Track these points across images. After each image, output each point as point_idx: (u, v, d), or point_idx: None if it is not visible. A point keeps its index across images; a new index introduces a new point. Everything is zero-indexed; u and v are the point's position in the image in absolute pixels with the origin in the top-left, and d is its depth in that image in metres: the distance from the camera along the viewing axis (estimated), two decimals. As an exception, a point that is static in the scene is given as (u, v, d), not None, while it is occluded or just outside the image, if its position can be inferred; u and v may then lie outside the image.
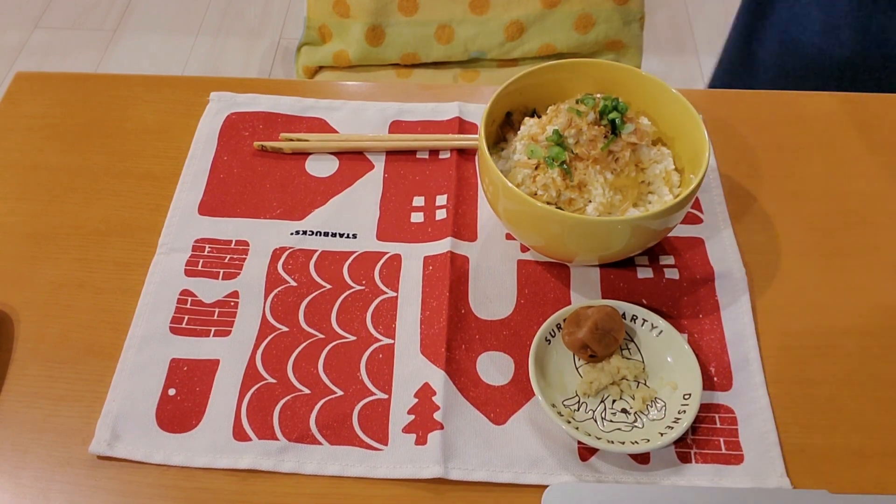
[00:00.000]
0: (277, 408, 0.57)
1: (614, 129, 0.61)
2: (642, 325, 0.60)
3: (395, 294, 0.64)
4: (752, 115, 0.78)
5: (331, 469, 0.54)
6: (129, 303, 0.63)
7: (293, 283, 0.64)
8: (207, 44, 1.99)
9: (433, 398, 0.57)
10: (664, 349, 0.59)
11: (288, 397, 0.58)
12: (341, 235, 0.68)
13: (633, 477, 0.54)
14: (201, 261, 0.66)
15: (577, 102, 0.63)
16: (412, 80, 1.11)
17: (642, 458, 0.55)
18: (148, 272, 0.65)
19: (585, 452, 0.55)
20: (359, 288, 0.64)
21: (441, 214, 0.69)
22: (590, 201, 0.60)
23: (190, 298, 0.63)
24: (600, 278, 0.65)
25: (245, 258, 0.66)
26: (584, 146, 0.60)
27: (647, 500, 0.52)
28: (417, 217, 0.69)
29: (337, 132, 0.76)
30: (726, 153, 0.74)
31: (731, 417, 0.57)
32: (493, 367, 0.59)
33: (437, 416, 0.56)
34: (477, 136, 0.72)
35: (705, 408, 0.57)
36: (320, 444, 0.55)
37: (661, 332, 0.60)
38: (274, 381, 0.59)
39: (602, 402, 0.57)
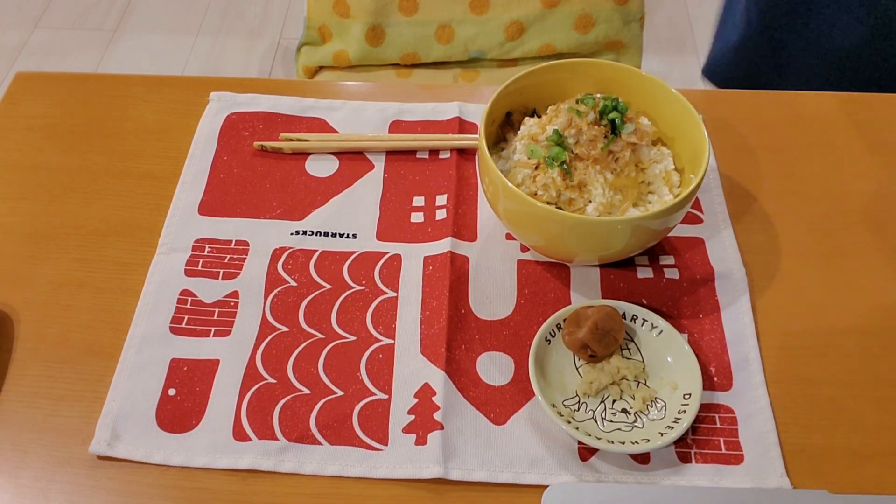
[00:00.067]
0: (277, 408, 0.57)
1: (614, 129, 0.61)
2: (642, 325, 0.60)
3: (395, 294, 0.64)
4: (752, 115, 0.78)
5: (331, 469, 0.54)
6: (129, 303, 0.63)
7: (293, 283, 0.64)
8: (207, 44, 1.99)
9: (433, 398, 0.57)
10: (664, 349, 0.59)
11: (288, 397, 0.58)
12: (341, 235, 0.68)
13: (633, 477, 0.54)
14: (201, 261, 0.66)
15: (577, 102, 0.63)
16: (412, 80, 1.11)
17: (642, 458, 0.55)
18: (148, 272, 0.65)
19: (585, 452, 0.55)
20: (359, 288, 0.64)
21: (441, 214, 0.69)
22: (590, 201, 0.60)
23: (190, 298, 0.63)
24: (600, 278, 0.65)
25: (245, 258, 0.66)
26: (584, 146, 0.60)
27: (647, 500, 0.52)
28: (417, 217, 0.69)
29: (337, 132, 0.76)
30: (726, 153, 0.74)
31: (731, 417, 0.57)
32: (493, 367, 0.59)
33: (437, 416, 0.56)
34: (477, 136, 0.72)
35: (705, 408, 0.57)
36: (320, 444, 0.55)
37: (661, 332, 0.60)
38: (274, 381, 0.59)
39: (602, 402, 0.57)
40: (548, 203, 0.60)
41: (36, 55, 1.95)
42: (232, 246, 0.67)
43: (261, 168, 0.73)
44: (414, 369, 0.59)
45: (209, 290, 0.64)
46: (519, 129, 0.65)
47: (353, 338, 0.61)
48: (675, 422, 0.55)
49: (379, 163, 0.73)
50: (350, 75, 1.13)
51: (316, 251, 0.66)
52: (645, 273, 0.65)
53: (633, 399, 0.57)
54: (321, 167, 0.73)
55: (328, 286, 0.64)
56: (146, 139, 0.75)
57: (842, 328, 0.62)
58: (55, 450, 0.55)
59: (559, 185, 0.60)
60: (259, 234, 0.68)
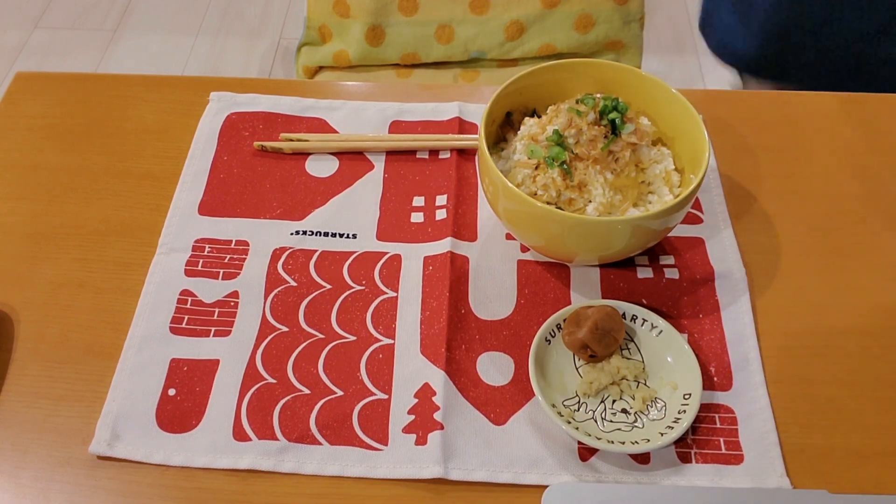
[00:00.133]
0: (277, 408, 0.57)
1: (614, 129, 0.61)
2: (642, 325, 0.60)
3: (395, 294, 0.64)
4: (752, 115, 0.78)
5: (331, 469, 0.54)
6: (129, 303, 0.63)
7: (293, 283, 0.64)
8: (207, 44, 1.99)
9: (433, 398, 0.57)
10: (664, 349, 0.59)
11: (288, 397, 0.58)
12: (341, 235, 0.68)
13: (633, 477, 0.54)
14: (201, 261, 0.66)
15: (577, 102, 0.63)
16: (412, 80, 1.11)
17: (642, 458, 0.55)
18: (148, 272, 0.65)
19: (585, 452, 0.55)
20: (359, 288, 0.64)
21: (441, 214, 0.69)
22: (590, 201, 0.60)
23: (190, 298, 0.63)
24: (600, 278, 0.65)
25: (245, 258, 0.66)
26: (584, 146, 0.60)
27: (647, 500, 0.52)
28: (417, 217, 0.69)
29: (337, 132, 0.76)
30: (726, 153, 0.74)
31: (731, 417, 0.57)
32: (493, 368, 0.59)
33: (437, 416, 0.56)
34: (477, 136, 0.72)
35: (705, 408, 0.57)
36: (320, 444, 0.55)
37: (661, 332, 0.60)
38: (274, 381, 0.59)
39: (602, 402, 0.57)
40: (548, 203, 0.60)
41: (36, 55, 1.95)
42: (232, 246, 0.67)
43: (261, 168, 0.73)
44: (414, 369, 0.59)
45: (209, 290, 0.64)
46: (519, 129, 0.65)
47: (353, 338, 0.61)
48: (675, 422, 0.55)
49: (379, 163, 0.73)
50: (350, 75, 1.13)
51: (316, 251, 0.66)
52: (645, 273, 0.65)
53: (633, 399, 0.57)
54: (321, 167, 0.73)
55: (328, 286, 0.64)
56: (146, 139, 0.75)
57: (842, 328, 0.62)
58: (55, 450, 0.55)
59: (559, 185, 0.60)
60: (259, 234, 0.68)
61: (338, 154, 0.74)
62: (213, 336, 0.61)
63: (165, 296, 0.63)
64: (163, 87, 0.80)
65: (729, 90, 0.87)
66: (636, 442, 0.54)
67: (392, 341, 0.61)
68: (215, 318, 0.62)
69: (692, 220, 0.68)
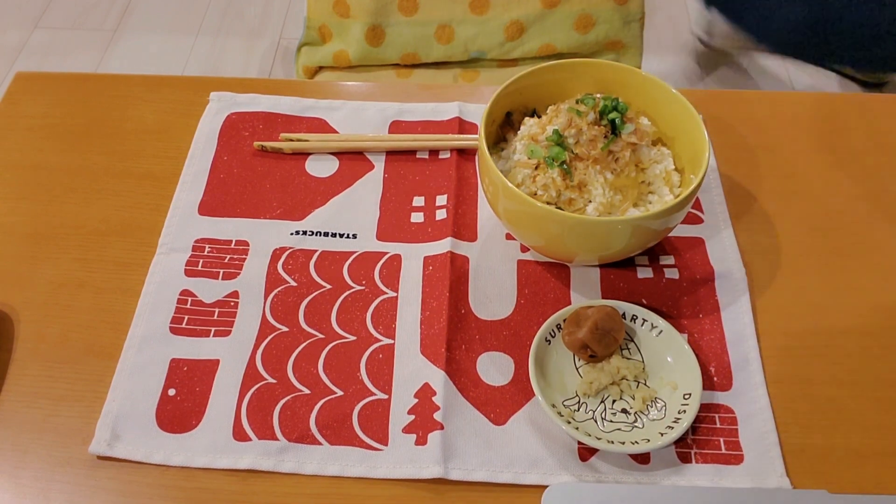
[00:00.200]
0: (277, 408, 0.57)
1: (614, 129, 0.61)
2: (642, 325, 0.60)
3: (395, 294, 0.64)
4: (752, 115, 0.78)
5: (331, 469, 0.54)
6: (129, 303, 0.63)
7: (293, 283, 0.64)
8: (207, 44, 1.99)
9: (433, 398, 0.57)
10: (664, 349, 0.59)
11: (288, 397, 0.58)
12: (341, 235, 0.68)
13: (633, 477, 0.54)
14: (201, 261, 0.66)
15: (577, 102, 0.63)
16: (412, 80, 1.11)
17: (642, 458, 0.55)
18: (148, 272, 0.65)
19: (585, 452, 0.55)
20: (359, 288, 0.64)
21: (441, 214, 0.69)
22: (590, 201, 0.60)
23: (190, 298, 0.63)
24: (600, 278, 0.65)
25: (245, 258, 0.66)
26: (584, 146, 0.60)
27: (647, 500, 0.52)
28: (417, 217, 0.69)
29: (337, 132, 0.76)
30: (726, 153, 0.74)
31: (731, 417, 0.57)
32: (493, 368, 0.59)
33: (437, 416, 0.56)
34: (477, 136, 0.72)
35: (705, 408, 0.57)
36: (320, 444, 0.55)
37: (661, 332, 0.60)
38: (274, 381, 0.59)
39: (602, 402, 0.57)
40: (548, 203, 0.60)
41: (36, 55, 1.95)
42: (232, 246, 0.67)
43: (261, 168, 0.73)
44: (414, 369, 0.59)
45: (209, 290, 0.64)
46: (519, 129, 0.65)
47: (353, 338, 0.61)
48: (675, 422, 0.55)
49: (379, 163, 0.73)
50: (350, 75, 1.13)
51: (316, 251, 0.66)
52: (645, 273, 0.65)
53: (633, 399, 0.57)
54: (321, 167, 0.73)
55: (328, 286, 0.64)
56: (146, 139, 0.75)
57: (842, 328, 0.62)
58: (55, 450, 0.55)
59: (559, 185, 0.60)
60: (259, 234, 0.68)
61: (338, 154, 0.74)
62: (213, 336, 0.61)
63: (165, 296, 0.63)
64: (163, 87, 0.80)
65: (729, 90, 0.87)
66: (636, 442, 0.54)
67: (392, 341, 0.61)
68: (215, 318, 0.62)
69: (692, 220, 0.68)
